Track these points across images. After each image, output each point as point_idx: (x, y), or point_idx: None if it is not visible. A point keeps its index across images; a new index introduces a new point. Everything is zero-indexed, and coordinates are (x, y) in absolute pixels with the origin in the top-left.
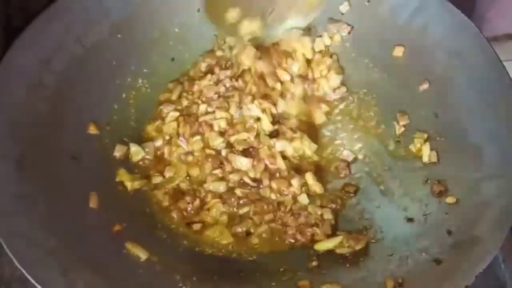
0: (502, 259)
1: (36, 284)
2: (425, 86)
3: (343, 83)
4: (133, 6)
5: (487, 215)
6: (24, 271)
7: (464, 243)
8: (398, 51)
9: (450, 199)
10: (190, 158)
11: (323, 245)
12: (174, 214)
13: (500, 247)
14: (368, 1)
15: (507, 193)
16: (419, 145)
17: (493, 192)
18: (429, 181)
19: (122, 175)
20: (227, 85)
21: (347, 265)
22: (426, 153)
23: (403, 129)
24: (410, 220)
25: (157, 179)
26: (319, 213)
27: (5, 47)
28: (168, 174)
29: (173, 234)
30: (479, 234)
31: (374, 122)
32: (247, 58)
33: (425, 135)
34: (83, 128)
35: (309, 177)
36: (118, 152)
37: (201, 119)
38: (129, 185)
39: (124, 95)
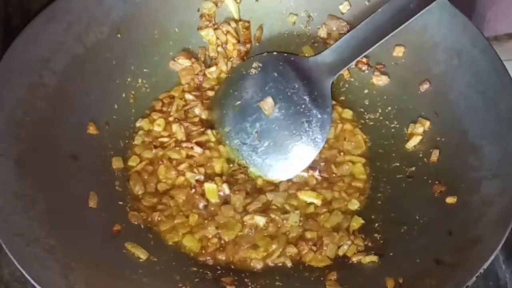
0: (503, 259)
1: (36, 284)
2: (425, 86)
3: None
4: (133, 6)
5: (488, 215)
6: (23, 271)
7: (465, 243)
8: (398, 51)
9: (450, 199)
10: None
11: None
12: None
13: (501, 247)
14: (368, 1)
15: (507, 192)
16: (414, 130)
17: (494, 192)
18: (429, 181)
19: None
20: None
21: (347, 265)
22: (414, 142)
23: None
24: (410, 220)
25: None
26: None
27: (5, 46)
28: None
29: None
30: (479, 234)
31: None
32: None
33: (427, 123)
34: (83, 128)
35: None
36: (115, 164)
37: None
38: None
39: (124, 95)
